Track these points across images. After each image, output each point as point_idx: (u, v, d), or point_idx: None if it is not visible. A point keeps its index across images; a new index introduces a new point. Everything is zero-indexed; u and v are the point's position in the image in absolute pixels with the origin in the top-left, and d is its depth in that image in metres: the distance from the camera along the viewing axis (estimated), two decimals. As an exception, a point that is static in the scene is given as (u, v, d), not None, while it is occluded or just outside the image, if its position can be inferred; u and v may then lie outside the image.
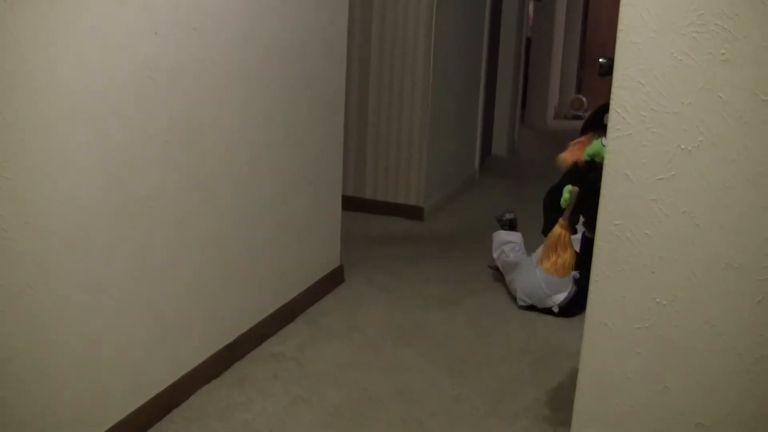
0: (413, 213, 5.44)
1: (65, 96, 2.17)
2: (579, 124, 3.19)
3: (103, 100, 2.31)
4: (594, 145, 2.40)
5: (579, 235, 2.68)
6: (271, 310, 3.48)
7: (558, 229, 2.57)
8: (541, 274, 3.63)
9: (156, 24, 2.48)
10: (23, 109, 2.03)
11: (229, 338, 3.17)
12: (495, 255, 4.20)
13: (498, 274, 4.29)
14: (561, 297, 3.82)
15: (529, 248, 4.13)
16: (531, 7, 8.88)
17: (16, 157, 2.03)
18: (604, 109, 2.12)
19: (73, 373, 2.37)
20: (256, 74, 3.10)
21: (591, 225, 2.21)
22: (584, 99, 10.41)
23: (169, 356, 2.81)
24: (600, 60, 2.60)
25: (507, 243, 4.16)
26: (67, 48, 2.15)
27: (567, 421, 2.28)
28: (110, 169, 2.38)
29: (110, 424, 2.55)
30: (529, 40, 9.04)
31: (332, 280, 4.03)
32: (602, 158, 2.11)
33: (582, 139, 2.51)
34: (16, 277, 2.11)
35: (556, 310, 3.85)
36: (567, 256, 2.55)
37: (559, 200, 2.57)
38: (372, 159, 5.53)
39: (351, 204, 5.11)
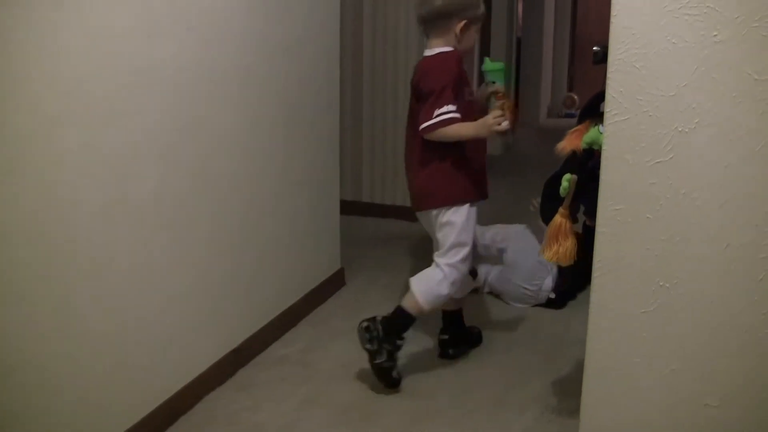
0: (410, 214, 5.41)
1: (64, 99, 2.17)
2: (572, 122, 3.20)
3: (102, 102, 2.32)
4: (591, 133, 2.40)
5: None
6: (275, 313, 3.49)
7: (558, 218, 2.57)
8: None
9: (153, 26, 2.49)
10: (21, 113, 2.04)
11: (235, 343, 3.18)
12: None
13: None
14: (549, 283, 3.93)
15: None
16: (520, 6, 8.89)
17: (15, 163, 2.04)
18: (601, 96, 2.13)
19: (77, 382, 2.37)
20: (253, 74, 3.12)
21: (592, 213, 2.21)
22: (576, 97, 10.41)
23: (174, 363, 2.81)
24: (594, 48, 2.61)
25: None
26: (65, 50, 2.16)
27: (576, 409, 2.29)
28: (111, 172, 2.39)
29: (118, 434, 2.56)
30: (519, 40, 9.04)
31: (334, 283, 4.04)
32: (600, 145, 2.11)
33: (579, 127, 2.51)
34: (16, 283, 2.10)
35: (552, 296, 3.93)
36: (569, 244, 2.55)
37: (559, 189, 2.57)
38: (368, 162, 5.53)
39: (349, 208, 5.12)
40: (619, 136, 1.99)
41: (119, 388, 2.54)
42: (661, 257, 2.02)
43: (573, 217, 2.59)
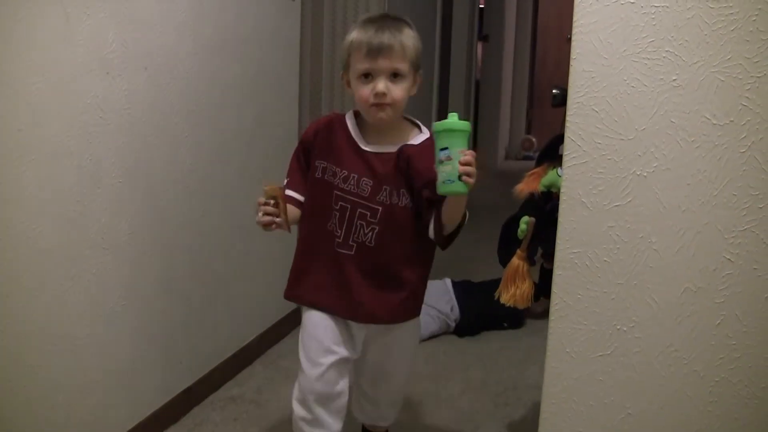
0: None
1: (14, 136, 2.14)
2: (530, 164, 3.23)
3: (53, 140, 2.28)
4: (549, 176, 2.42)
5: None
6: (229, 353, 3.44)
7: (516, 261, 2.57)
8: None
9: (107, 64, 2.46)
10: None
11: (187, 382, 3.13)
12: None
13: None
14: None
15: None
16: (479, 49, 8.96)
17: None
18: (559, 139, 2.14)
19: (27, 420, 2.31)
20: (208, 113, 3.09)
21: (549, 256, 2.21)
22: (534, 139, 10.50)
23: (125, 402, 2.75)
24: (553, 91, 2.62)
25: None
26: (14, 87, 2.12)
27: (531, 453, 2.28)
28: (62, 210, 2.34)
29: (66, 473, 2.49)
30: (478, 83, 9.10)
31: (289, 322, 3.99)
32: (558, 188, 2.12)
33: (537, 169, 2.52)
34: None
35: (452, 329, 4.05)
36: (525, 287, 2.55)
37: (516, 232, 2.58)
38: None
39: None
40: (577, 179, 1.99)
41: (69, 427, 2.49)
42: (618, 301, 2.02)
43: (530, 260, 2.60)
